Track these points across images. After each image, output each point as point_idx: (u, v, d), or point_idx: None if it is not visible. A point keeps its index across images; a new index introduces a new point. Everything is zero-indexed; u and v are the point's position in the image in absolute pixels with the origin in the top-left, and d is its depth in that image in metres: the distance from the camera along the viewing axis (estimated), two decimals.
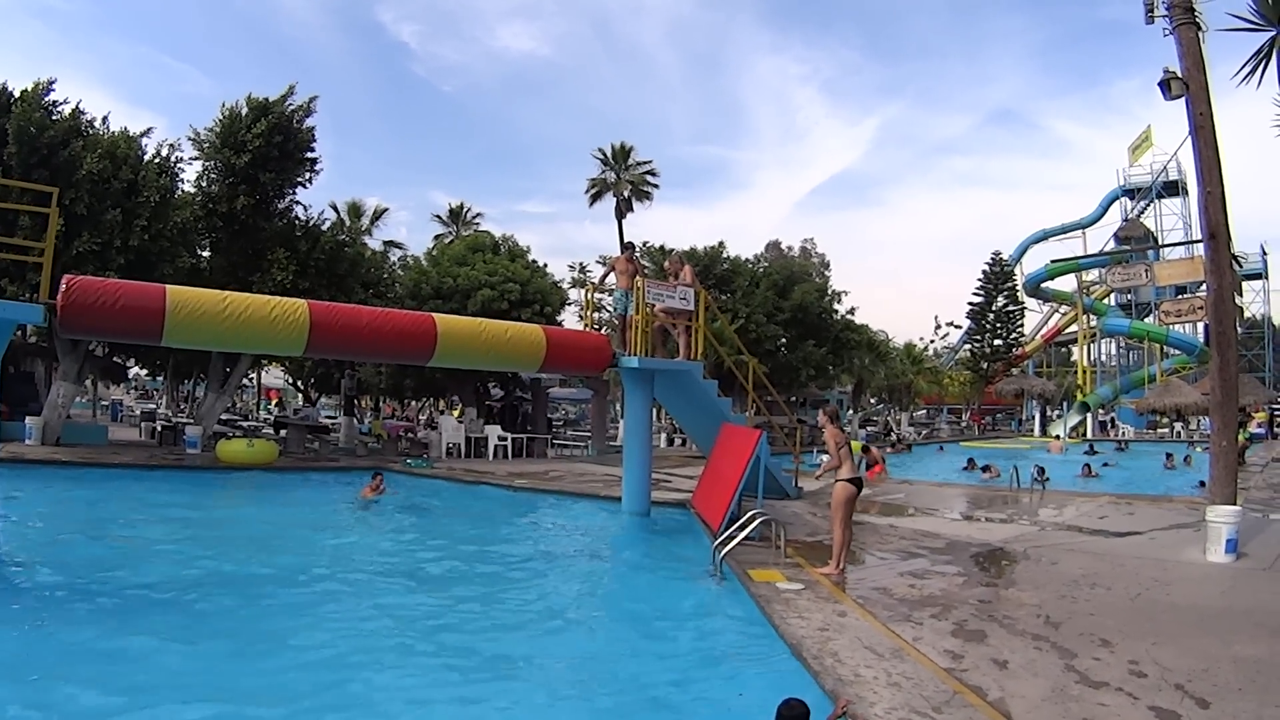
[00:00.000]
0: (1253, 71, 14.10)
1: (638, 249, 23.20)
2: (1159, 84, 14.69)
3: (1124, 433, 59.10)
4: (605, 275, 19.45)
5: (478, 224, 64.26)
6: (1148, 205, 69.86)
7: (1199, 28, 14.74)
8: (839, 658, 7.33)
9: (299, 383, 52.96)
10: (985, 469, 28.52)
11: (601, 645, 8.89)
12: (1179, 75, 14.57)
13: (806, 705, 5.62)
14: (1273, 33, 13.73)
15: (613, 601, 11.23)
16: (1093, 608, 9.47)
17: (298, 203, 28.54)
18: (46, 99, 23.14)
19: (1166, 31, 14.92)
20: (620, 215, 60.98)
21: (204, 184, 26.77)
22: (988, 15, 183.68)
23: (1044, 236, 78.50)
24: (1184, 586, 10.74)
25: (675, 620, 9.78)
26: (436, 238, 60.64)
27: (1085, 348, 69.53)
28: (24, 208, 18.35)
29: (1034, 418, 67.22)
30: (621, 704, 7.15)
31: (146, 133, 25.20)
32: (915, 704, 6.29)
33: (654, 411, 20.90)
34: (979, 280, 68.20)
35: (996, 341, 67.36)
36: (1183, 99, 14.61)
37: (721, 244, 40.77)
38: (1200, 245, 16.67)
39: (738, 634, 8.95)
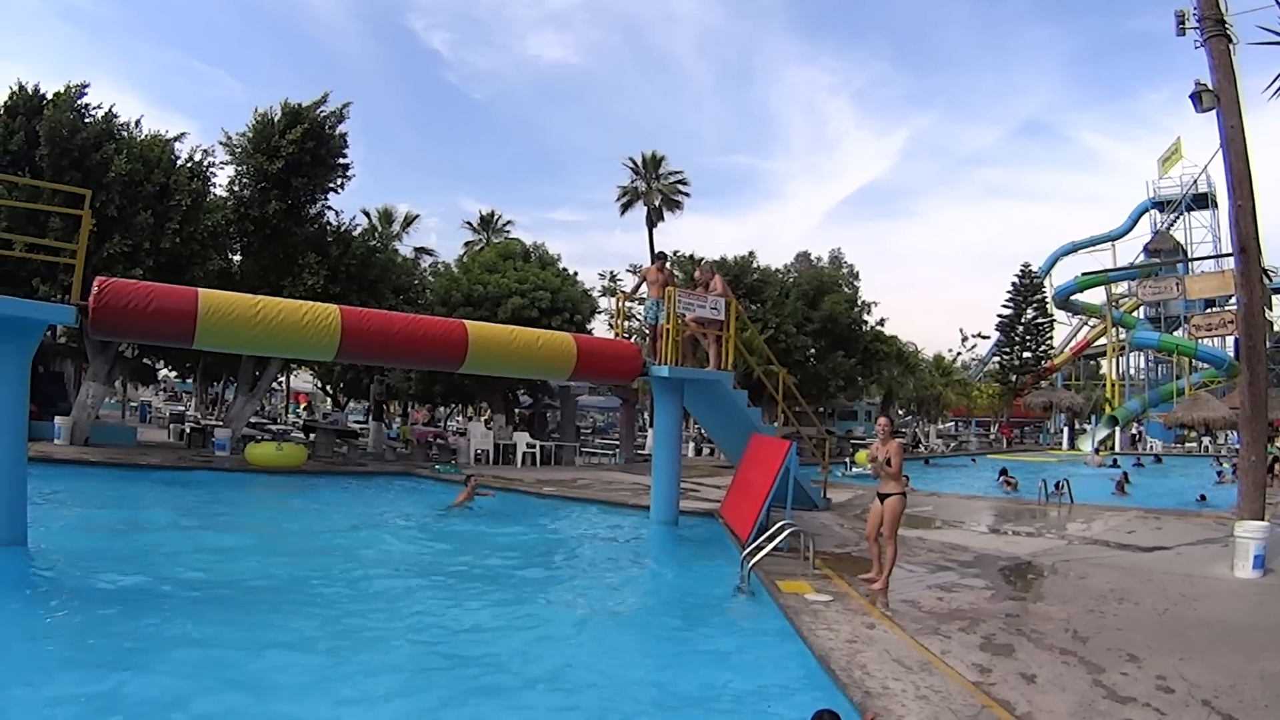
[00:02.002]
0: None
1: (669, 259, 23.12)
2: (1190, 96, 14.68)
3: (1151, 447, 58.79)
4: (638, 286, 19.44)
5: (508, 231, 64.37)
6: (1177, 218, 69.63)
7: (1230, 40, 14.70)
8: (867, 670, 7.36)
9: (328, 387, 53.15)
10: (1006, 480, 28.48)
11: (628, 655, 8.93)
12: (1210, 88, 14.55)
13: (840, 717, 5.64)
14: None
15: (640, 611, 11.24)
16: (1120, 622, 9.48)
17: (329, 208, 28.83)
18: (79, 102, 23.41)
19: (1198, 44, 14.89)
20: (651, 224, 61.11)
21: (236, 188, 26.95)
22: (1017, 27, 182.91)
23: (1073, 249, 78.11)
24: (1211, 602, 10.74)
25: (703, 631, 9.80)
26: (467, 244, 60.85)
27: (1114, 361, 69.23)
28: (56, 209, 18.53)
29: (1062, 431, 66.96)
30: (648, 713, 7.20)
31: (179, 137, 25.53)
32: (943, 717, 6.32)
33: (683, 421, 20.89)
34: (1008, 292, 67.98)
35: (1025, 354, 67.11)
36: (1214, 111, 14.58)
37: (752, 254, 40.88)
38: (1230, 259, 16.62)
39: (765, 645, 8.96)
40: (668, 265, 19.49)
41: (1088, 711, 6.57)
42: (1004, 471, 29.99)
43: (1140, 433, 62.37)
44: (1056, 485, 22.52)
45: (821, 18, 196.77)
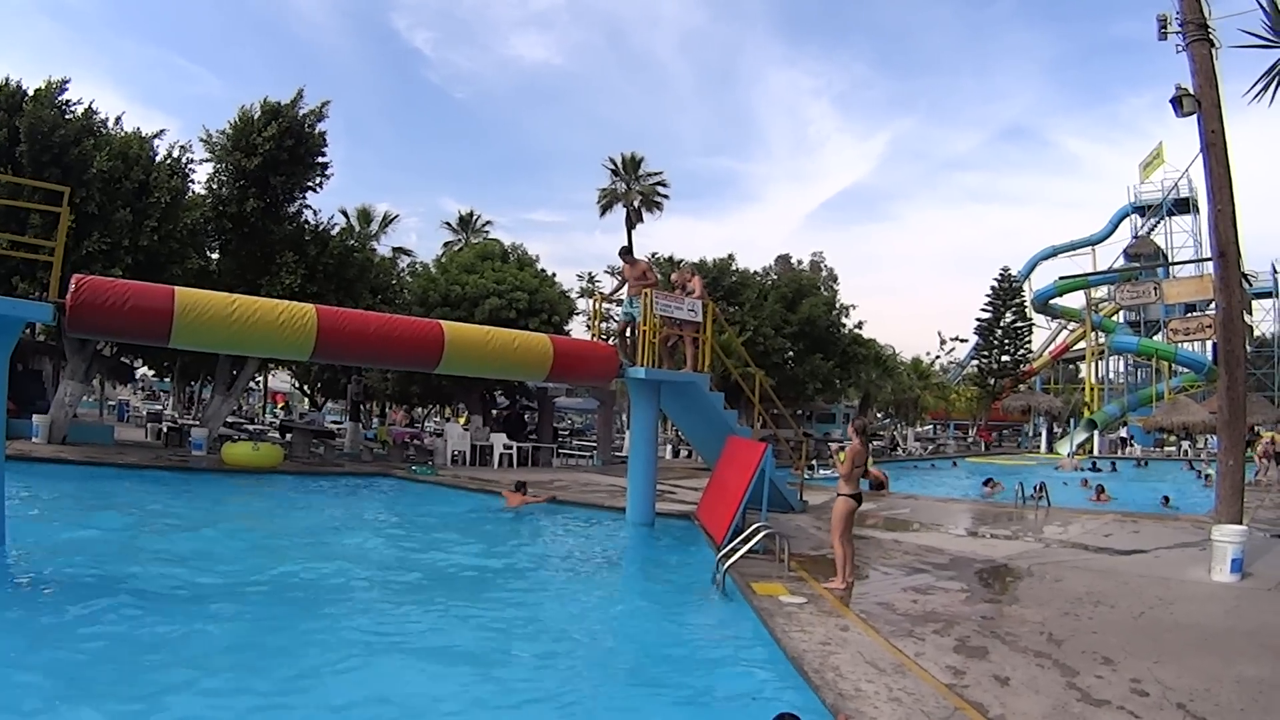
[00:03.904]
0: (1265, 89, 14.05)
1: (636, 253, 22.77)
2: (1171, 101, 14.69)
3: (1132, 450, 58.92)
4: (617, 287, 19.30)
5: (487, 232, 64.11)
6: (1158, 222, 69.89)
7: (1212, 45, 14.72)
8: (840, 672, 7.30)
9: (305, 387, 52.97)
10: (986, 483, 28.46)
11: (603, 656, 8.87)
12: (1191, 92, 14.56)
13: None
14: None
15: (615, 613, 11.17)
16: (1096, 625, 9.43)
17: (307, 207, 28.70)
18: (59, 98, 23.28)
19: (1179, 48, 14.92)
20: (630, 225, 60.98)
21: (214, 186, 26.83)
22: (1000, 31, 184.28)
23: (1053, 253, 78.34)
24: (1188, 606, 10.69)
25: (677, 632, 9.76)
26: (446, 245, 60.56)
27: (1093, 365, 69.41)
28: (35, 206, 18.41)
29: (1040, 434, 67.08)
30: (621, 713, 7.13)
31: (159, 134, 25.48)
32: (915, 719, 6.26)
33: (660, 422, 20.84)
34: (987, 296, 68.31)
35: (1004, 357, 67.36)
36: (1194, 116, 14.59)
37: (731, 256, 40.79)
38: (1210, 263, 16.66)
39: (739, 647, 8.90)
40: (638, 259, 19.34)
41: (1061, 714, 6.51)
42: (989, 480, 29.96)
43: (1127, 437, 62.33)
44: (1036, 488, 22.51)
45: (804, 21, 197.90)
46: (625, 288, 18.62)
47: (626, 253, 19.60)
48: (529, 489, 19.73)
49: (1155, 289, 59.91)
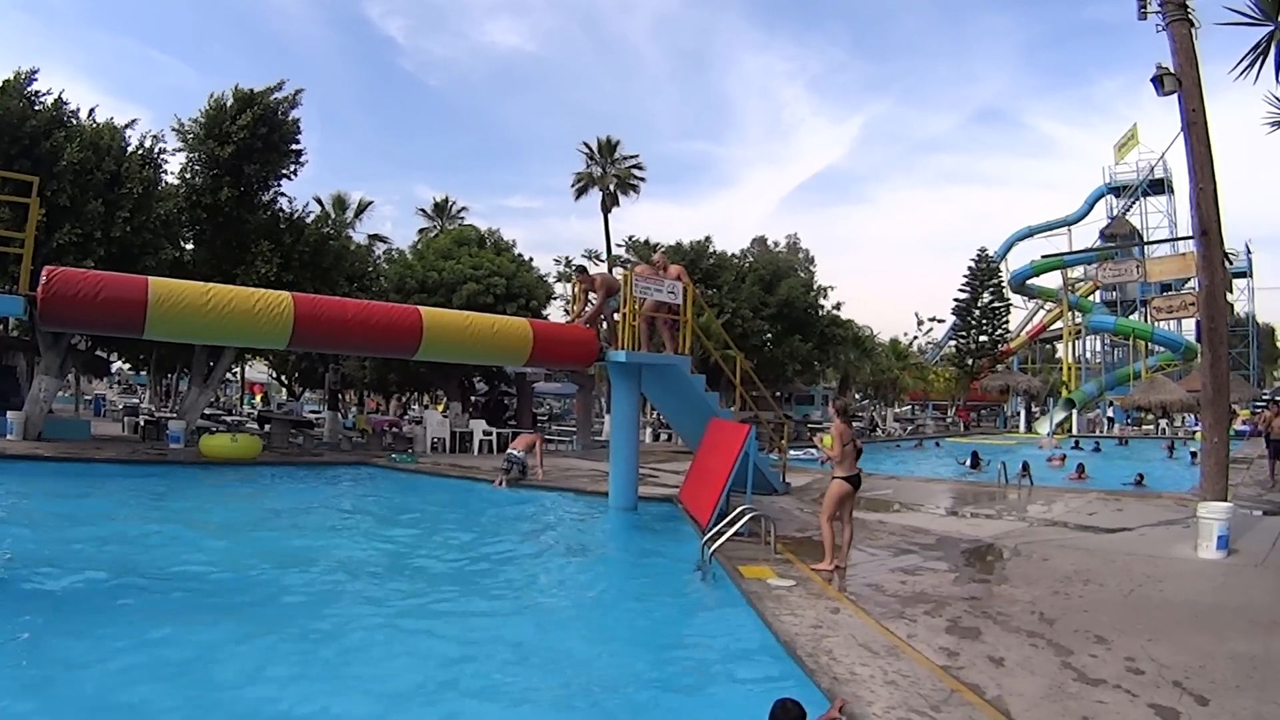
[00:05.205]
0: (1250, 66, 14.01)
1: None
2: (1152, 80, 14.61)
3: (1112, 429, 59.15)
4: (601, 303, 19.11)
5: (462, 218, 63.79)
6: (1133, 203, 70.08)
7: (1191, 24, 14.66)
8: (834, 655, 7.22)
9: (283, 377, 52.71)
10: (973, 462, 28.50)
11: (588, 643, 8.75)
12: (1171, 71, 14.50)
13: (802, 706, 5.47)
14: (1271, 27, 13.63)
15: (600, 599, 11.08)
16: (1086, 604, 9.40)
17: (282, 195, 28.57)
18: (28, 89, 22.99)
19: (1159, 27, 14.83)
20: (606, 209, 60.85)
21: (188, 176, 26.58)
22: (975, 14, 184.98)
23: (1029, 234, 78.70)
24: (1177, 583, 10.68)
25: (664, 617, 9.70)
26: (421, 231, 60.19)
27: (1070, 344, 69.69)
28: (5, 198, 18.18)
29: (1019, 414, 67.37)
30: (609, 703, 7.04)
31: (130, 124, 25.19)
32: (913, 702, 6.18)
33: (641, 406, 20.77)
34: (965, 277, 68.35)
35: (982, 338, 67.47)
36: (1175, 95, 14.54)
37: (708, 239, 40.73)
38: (1185, 242, 16.66)
39: (728, 631, 8.81)
40: (595, 274, 19.34)
41: (1058, 694, 6.46)
42: (974, 456, 29.98)
43: (1110, 417, 62.55)
44: (1023, 467, 22.56)
45: (778, 4, 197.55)
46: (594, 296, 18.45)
47: (582, 271, 19.55)
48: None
49: (1138, 267, 60.20)
